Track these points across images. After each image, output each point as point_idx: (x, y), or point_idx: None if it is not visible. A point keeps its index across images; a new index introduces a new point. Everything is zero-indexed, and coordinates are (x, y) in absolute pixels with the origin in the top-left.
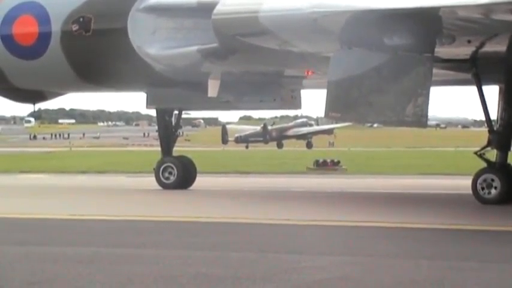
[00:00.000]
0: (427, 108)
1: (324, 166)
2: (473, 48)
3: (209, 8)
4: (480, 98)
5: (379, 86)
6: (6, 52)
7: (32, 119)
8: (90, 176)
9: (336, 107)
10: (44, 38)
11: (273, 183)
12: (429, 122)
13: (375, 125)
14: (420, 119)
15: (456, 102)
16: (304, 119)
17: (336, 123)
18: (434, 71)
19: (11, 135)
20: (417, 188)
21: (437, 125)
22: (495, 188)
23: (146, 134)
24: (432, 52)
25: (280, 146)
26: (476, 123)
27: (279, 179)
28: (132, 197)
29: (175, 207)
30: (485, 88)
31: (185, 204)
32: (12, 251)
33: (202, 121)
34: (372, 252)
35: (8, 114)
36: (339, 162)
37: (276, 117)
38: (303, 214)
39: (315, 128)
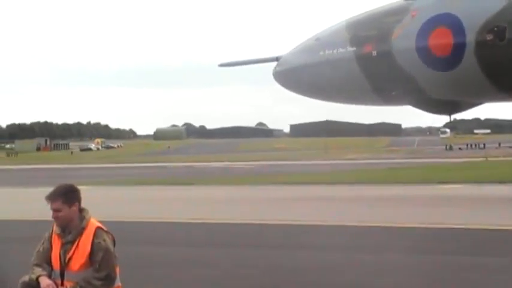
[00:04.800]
0: None
1: None
2: None
3: None
4: None
5: None
6: (421, 64)
7: (448, 130)
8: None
9: None
10: (458, 48)
11: None
12: None
13: None
14: None
15: None
16: None
17: None
18: None
19: (427, 146)
20: None
21: None
22: None
23: None
24: None
25: None
26: None
27: None
28: None
29: None
30: None
31: None
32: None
33: None
34: None
35: (423, 125)
36: None
37: None
38: None
39: None
